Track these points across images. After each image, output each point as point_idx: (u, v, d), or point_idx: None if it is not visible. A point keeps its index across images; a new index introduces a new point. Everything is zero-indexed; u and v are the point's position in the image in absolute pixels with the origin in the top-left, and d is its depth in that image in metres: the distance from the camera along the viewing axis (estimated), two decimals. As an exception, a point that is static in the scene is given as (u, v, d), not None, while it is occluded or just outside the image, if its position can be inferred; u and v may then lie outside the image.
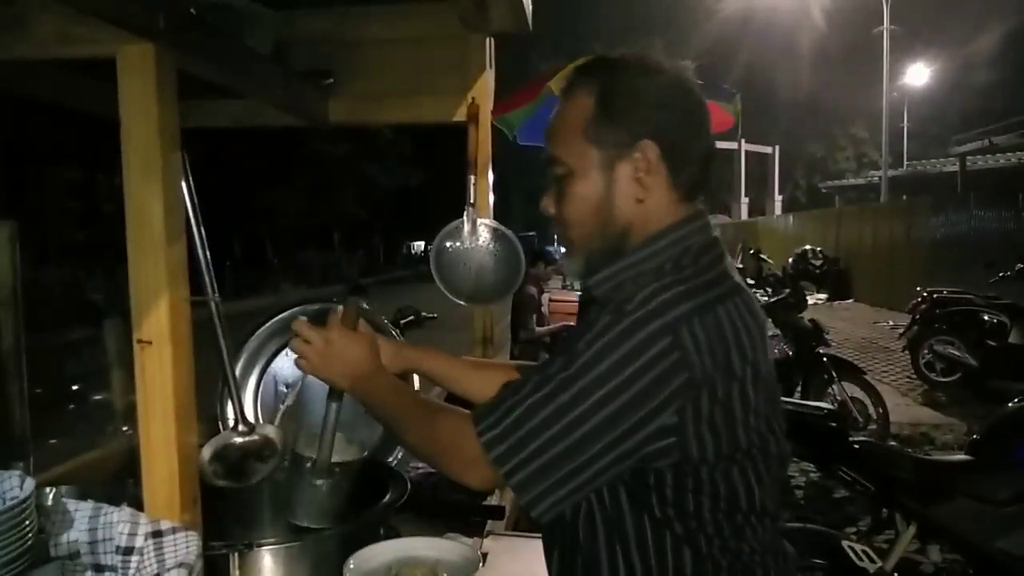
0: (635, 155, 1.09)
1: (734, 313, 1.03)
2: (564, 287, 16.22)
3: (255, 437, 1.48)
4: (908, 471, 2.75)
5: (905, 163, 27.36)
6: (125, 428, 1.61)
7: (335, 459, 1.37)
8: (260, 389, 2.01)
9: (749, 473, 1.06)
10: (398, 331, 2.08)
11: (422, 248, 53.62)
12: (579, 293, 11.95)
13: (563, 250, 1.22)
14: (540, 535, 1.77)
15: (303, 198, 27.12)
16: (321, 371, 1.26)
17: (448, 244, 1.90)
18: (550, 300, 8.02)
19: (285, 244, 29.67)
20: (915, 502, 2.74)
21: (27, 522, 1.14)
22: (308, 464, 1.36)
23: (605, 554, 1.09)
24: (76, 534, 1.17)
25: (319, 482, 1.37)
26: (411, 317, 3.97)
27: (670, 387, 0.97)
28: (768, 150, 31.61)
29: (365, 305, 1.45)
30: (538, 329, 6.77)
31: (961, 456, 2.90)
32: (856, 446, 2.82)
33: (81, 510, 1.19)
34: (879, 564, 2.62)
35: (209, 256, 1.37)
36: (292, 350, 1.27)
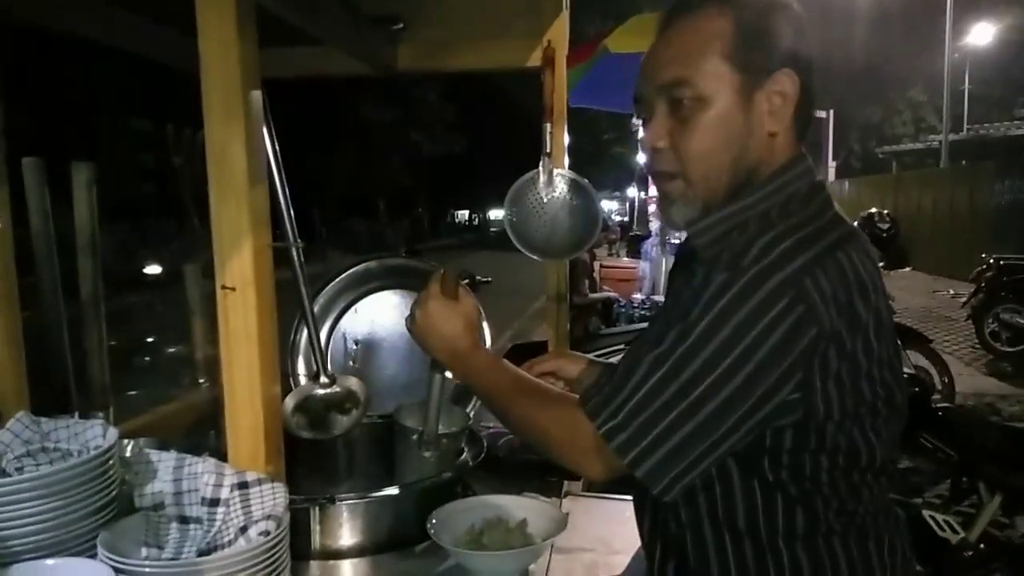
0: (775, 84, 1.00)
1: (855, 258, 0.95)
2: (610, 254, 16.14)
3: (337, 389, 1.44)
4: (995, 439, 2.63)
5: (966, 127, 26.33)
6: (202, 380, 1.59)
7: (441, 430, 1.34)
8: (330, 346, 1.99)
9: (869, 429, 0.98)
10: (469, 286, 2.03)
11: (467, 217, 53.71)
12: (627, 260, 11.84)
13: (662, 201, 1.09)
14: (619, 496, 1.74)
15: (350, 166, 27.27)
16: (419, 342, 1.21)
17: (523, 195, 1.83)
18: (601, 266, 7.92)
19: (331, 212, 29.91)
20: (1001, 472, 2.62)
21: (111, 472, 1.12)
22: (415, 437, 1.32)
23: (708, 520, 1.02)
24: (160, 484, 1.14)
25: (427, 454, 1.33)
26: (467, 280, 3.95)
27: (800, 345, 0.89)
28: (822, 114, 30.65)
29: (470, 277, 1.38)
30: (591, 295, 6.69)
31: (1051, 425, 2.76)
32: (940, 413, 2.70)
33: (164, 460, 1.17)
34: (962, 535, 2.52)
35: (290, 202, 1.32)
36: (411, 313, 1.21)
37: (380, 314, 1.98)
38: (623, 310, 6.59)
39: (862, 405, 0.96)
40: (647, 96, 1.05)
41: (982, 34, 26.10)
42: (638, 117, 1.11)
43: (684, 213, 1.05)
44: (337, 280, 1.98)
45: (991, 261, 8.43)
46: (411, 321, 1.21)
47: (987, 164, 15.81)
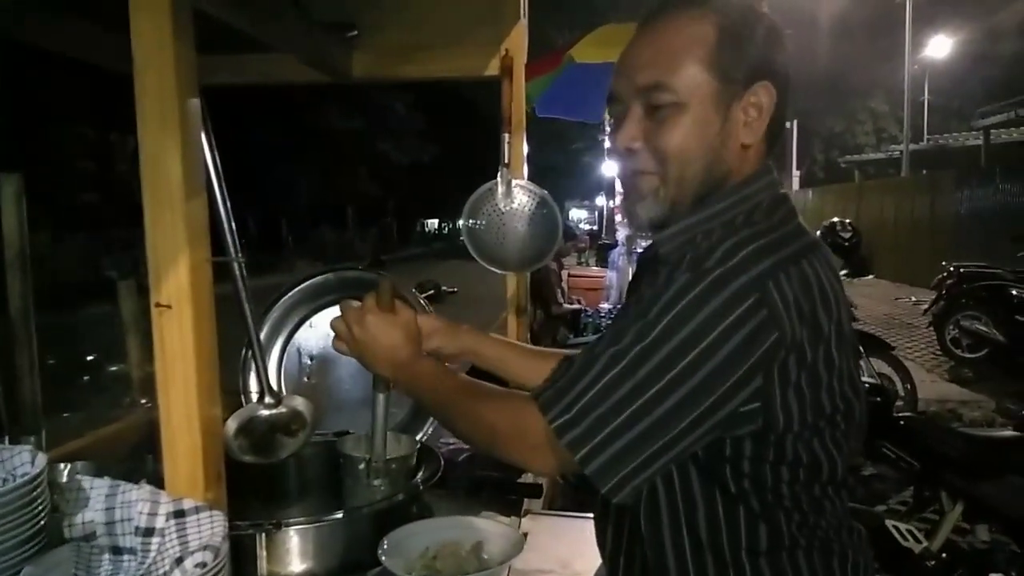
0: (753, 96, 0.99)
1: (818, 268, 0.94)
2: (580, 263, 16.17)
3: (283, 409, 1.38)
4: (956, 448, 2.64)
5: (926, 137, 26.86)
6: (144, 400, 1.52)
7: (396, 452, 1.29)
8: (284, 361, 1.93)
9: (829, 441, 0.97)
10: (426, 301, 1.99)
11: (436, 226, 53.55)
12: (596, 269, 11.86)
13: (628, 198, 1.06)
14: (580, 514, 1.70)
15: (317, 175, 27.07)
16: (359, 359, 1.18)
17: (480, 207, 1.79)
18: (569, 275, 7.91)
19: (300, 222, 29.64)
20: (962, 480, 2.63)
21: (39, 501, 1.05)
22: (362, 466, 1.27)
23: (669, 533, 1.00)
24: (92, 514, 1.08)
25: (377, 482, 1.28)
26: (431, 291, 3.89)
27: (760, 349, 0.87)
28: (786, 124, 31.08)
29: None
30: (565, 305, 6.67)
31: (1011, 432, 2.78)
32: (901, 422, 2.71)
33: (97, 488, 1.11)
34: (924, 544, 2.52)
35: (231, 213, 1.27)
36: (334, 330, 1.19)
37: (335, 328, 1.92)
38: (590, 319, 6.58)
39: (822, 418, 0.94)
40: (623, 95, 1.02)
41: (940, 46, 26.70)
42: (611, 115, 1.09)
43: (651, 211, 1.03)
44: (291, 294, 1.92)
45: (951, 269, 8.56)
46: (350, 339, 1.17)
47: (947, 173, 16.13)
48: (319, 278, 1.95)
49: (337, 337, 1.20)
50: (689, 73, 0.97)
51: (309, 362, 1.94)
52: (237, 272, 1.28)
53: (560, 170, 29.24)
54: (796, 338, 0.88)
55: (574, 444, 0.89)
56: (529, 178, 1.91)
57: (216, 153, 1.25)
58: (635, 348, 0.88)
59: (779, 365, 0.88)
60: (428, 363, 1.15)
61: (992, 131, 19.37)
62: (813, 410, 0.93)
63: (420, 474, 1.55)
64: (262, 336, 1.89)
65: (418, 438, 1.73)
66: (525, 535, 1.41)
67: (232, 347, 1.58)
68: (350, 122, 26.22)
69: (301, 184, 26.55)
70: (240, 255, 1.27)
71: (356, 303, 1.19)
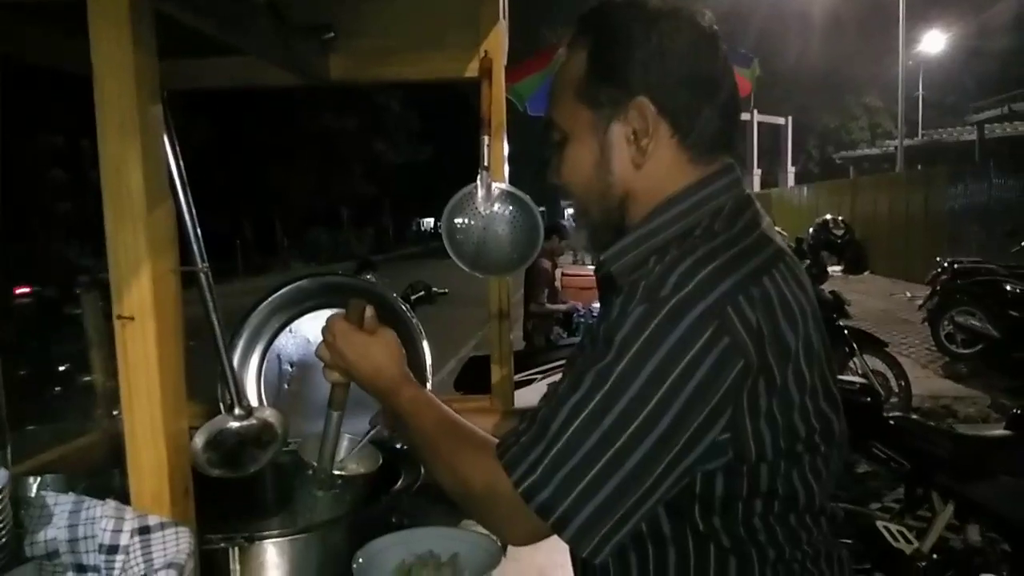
0: (629, 114, 0.95)
1: (781, 282, 0.89)
2: (575, 262, 16.12)
3: (253, 422, 1.35)
4: (946, 448, 2.62)
5: (920, 132, 26.90)
6: (116, 412, 1.49)
7: (343, 471, 1.28)
8: (264, 368, 1.90)
9: (808, 469, 0.92)
10: (408, 306, 1.96)
11: (432, 224, 53.45)
12: (592, 267, 11.81)
13: (574, 222, 1.10)
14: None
15: (311, 176, 27.05)
16: (350, 377, 1.17)
17: (460, 211, 1.76)
18: (563, 275, 7.88)
19: (294, 222, 29.62)
20: (953, 480, 2.62)
21: (1, 519, 1.02)
22: (309, 472, 1.25)
23: (637, 572, 0.96)
24: (54, 531, 1.06)
25: (320, 493, 1.26)
26: (422, 292, 3.86)
27: (727, 380, 0.83)
28: (781, 121, 31.15)
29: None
30: (549, 305, 6.64)
31: (1001, 431, 2.76)
32: (891, 422, 2.69)
33: (61, 504, 1.08)
34: (916, 545, 2.50)
35: (196, 221, 1.24)
36: (320, 358, 1.19)
37: (316, 334, 1.88)
38: (583, 320, 6.55)
39: (798, 442, 0.90)
40: None
41: (934, 42, 26.75)
42: None
43: (581, 240, 1.05)
44: (270, 299, 1.89)
45: (946, 264, 8.57)
46: (335, 366, 1.17)
47: (941, 169, 16.15)
48: (296, 284, 1.92)
49: (325, 366, 1.19)
50: (567, 107, 0.99)
51: (290, 369, 1.92)
52: (204, 282, 1.25)
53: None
54: (763, 361, 0.85)
55: (544, 509, 0.85)
56: (521, 177, 1.89)
57: (180, 160, 1.22)
58: (597, 395, 0.84)
59: (748, 393, 0.85)
60: (407, 394, 1.09)
61: (986, 126, 19.42)
62: (787, 436, 0.89)
63: (400, 483, 1.53)
64: (241, 343, 1.87)
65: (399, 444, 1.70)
66: (505, 547, 1.39)
67: (212, 355, 1.56)
68: (344, 122, 26.19)
69: (297, 184, 26.53)
70: (206, 264, 1.25)
71: (342, 321, 1.16)
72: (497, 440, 0.94)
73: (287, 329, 1.92)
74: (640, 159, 0.96)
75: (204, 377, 1.58)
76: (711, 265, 0.86)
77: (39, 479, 1.31)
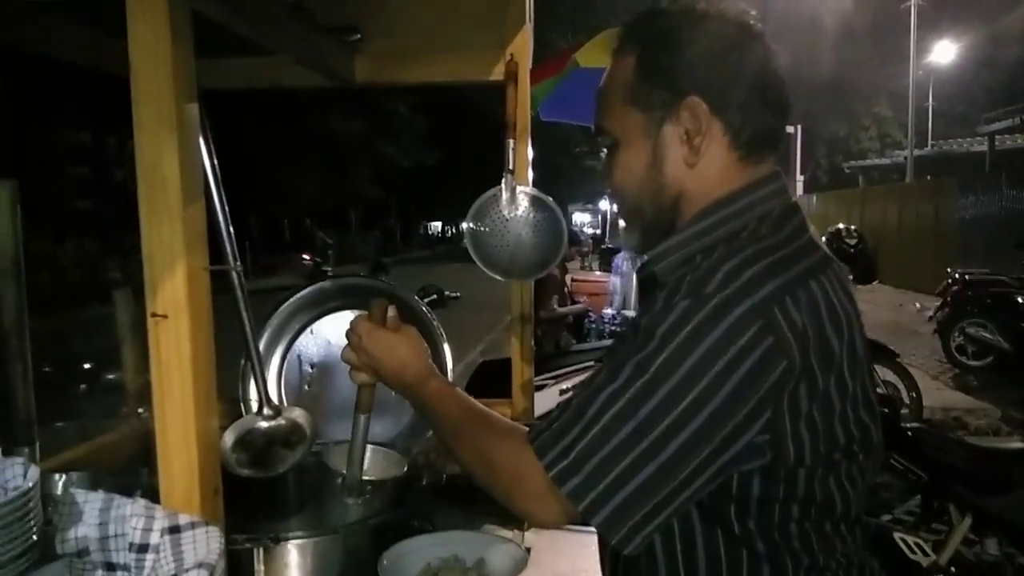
0: (681, 115, 0.95)
1: (828, 287, 0.88)
2: (583, 267, 16.11)
3: (281, 422, 1.35)
4: (964, 459, 2.60)
5: (930, 142, 26.81)
6: (141, 410, 1.49)
7: (371, 476, 1.26)
8: (284, 369, 1.90)
9: (844, 477, 0.91)
10: (428, 308, 1.96)
11: (439, 228, 53.47)
12: (599, 273, 11.83)
13: (622, 224, 1.10)
14: (584, 528, 1.66)
15: (319, 178, 27.13)
16: (375, 376, 1.15)
17: (484, 214, 1.76)
18: (572, 280, 7.87)
19: (302, 224, 29.69)
20: (971, 492, 2.59)
21: (31, 516, 1.02)
22: (339, 480, 1.24)
23: (665, 573, 0.94)
24: (85, 529, 1.05)
25: (350, 500, 1.25)
26: (434, 296, 3.85)
27: (768, 379, 0.82)
28: (790, 129, 31.12)
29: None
30: (559, 309, 6.62)
31: (1019, 444, 2.74)
32: (909, 433, 2.67)
33: (91, 502, 1.08)
34: (933, 558, 2.48)
35: (230, 220, 1.24)
36: (346, 361, 1.16)
37: (337, 335, 1.89)
38: (593, 325, 6.54)
39: (836, 449, 0.89)
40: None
41: (944, 52, 26.68)
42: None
43: (631, 240, 1.06)
44: (291, 301, 1.89)
45: (956, 276, 8.53)
46: (361, 367, 1.15)
47: (951, 179, 16.09)
48: (317, 285, 1.92)
49: (352, 368, 1.17)
50: (618, 113, 1.00)
51: (310, 370, 1.91)
52: (236, 281, 1.25)
53: (563, 173, 29.24)
54: (806, 364, 0.84)
55: (575, 494, 0.84)
56: (532, 182, 1.88)
57: (215, 159, 1.22)
58: (634, 385, 0.83)
59: (789, 395, 0.83)
60: (434, 386, 1.09)
61: (997, 137, 19.33)
62: (827, 442, 0.88)
63: (423, 485, 1.53)
64: (262, 344, 1.86)
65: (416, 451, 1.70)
66: (528, 551, 1.38)
67: (233, 354, 1.55)
68: (353, 125, 26.26)
69: (305, 187, 26.60)
70: (238, 263, 1.24)
71: (366, 322, 1.15)
72: (526, 427, 0.95)
73: (308, 330, 1.92)
74: (693, 158, 0.96)
75: (220, 377, 1.58)
76: (759, 264, 0.85)
77: (65, 476, 1.31)
